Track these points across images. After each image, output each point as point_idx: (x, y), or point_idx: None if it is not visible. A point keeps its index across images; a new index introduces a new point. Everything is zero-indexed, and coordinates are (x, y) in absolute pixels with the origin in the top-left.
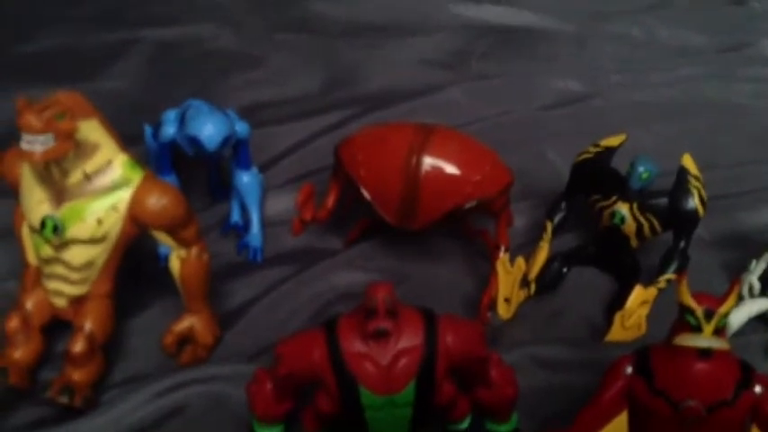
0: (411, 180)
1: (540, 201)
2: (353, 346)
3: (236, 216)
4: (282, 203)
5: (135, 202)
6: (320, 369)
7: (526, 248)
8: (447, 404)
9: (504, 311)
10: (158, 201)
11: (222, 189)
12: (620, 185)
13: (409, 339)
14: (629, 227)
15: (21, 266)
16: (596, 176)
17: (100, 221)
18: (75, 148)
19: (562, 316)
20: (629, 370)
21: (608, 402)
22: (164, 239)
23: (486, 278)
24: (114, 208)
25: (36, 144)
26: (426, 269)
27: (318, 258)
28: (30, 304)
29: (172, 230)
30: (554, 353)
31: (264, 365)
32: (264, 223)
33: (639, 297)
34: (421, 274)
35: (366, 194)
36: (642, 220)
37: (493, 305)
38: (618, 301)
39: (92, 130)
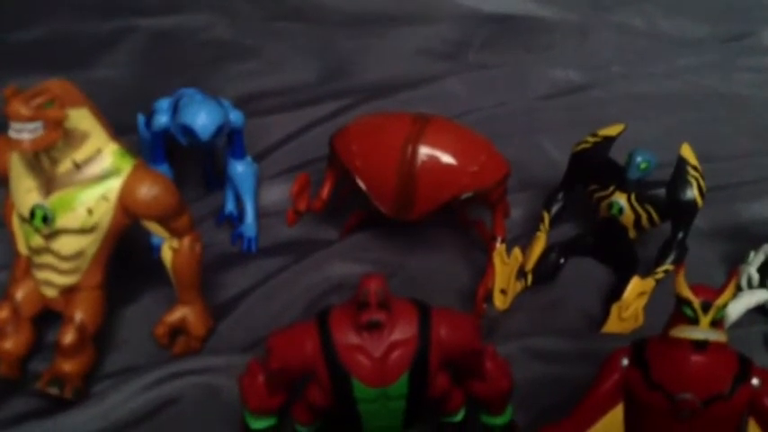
0: (407, 171)
1: (537, 192)
2: (346, 338)
3: (230, 206)
4: (277, 193)
5: (125, 191)
6: (312, 361)
7: (523, 240)
8: (441, 397)
9: (500, 303)
10: (149, 190)
11: (216, 179)
12: (618, 176)
13: (402, 331)
14: (627, 217)
15: (11, 256)
16: (594, 167)
17: (90, 211)
18: (65, 137)
19: (559, 307)
20: (626, 362)
21: (604, 395)
22: (155, 229)
23: (483, 269)
24: (104, 197)
25: (24, 132)
26: (422, 260)
27: (313, 249)
28: (20, 295)
29: (163, 220)
30: (550, 344)
31: (258, 357)
32: (259, 213)
33: (637, 288)
34: (417, 266)
35: (361, 185)
36: (640, 210)
37: (489, 296)
38: (615, 293)
39: (81, 118)
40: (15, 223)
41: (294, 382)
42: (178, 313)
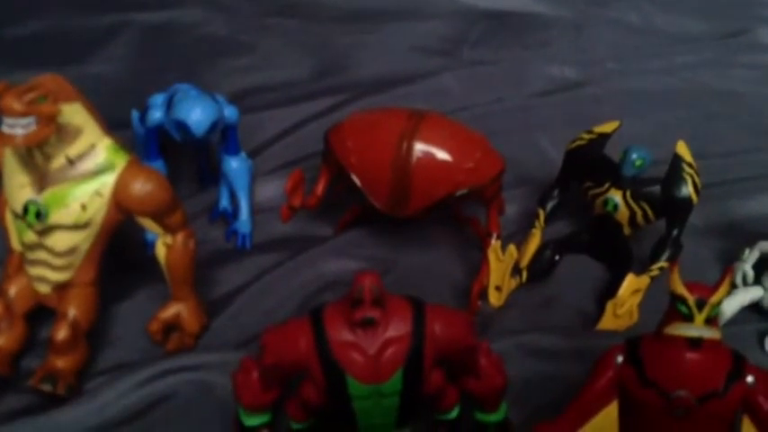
0: (402, 167)
1: (532, 189)
2: (340, 335)
3: (224, 202)
4: (272, 190)
5: (119, 187)
6: (306, 358)
7: (518, 237)
8: (435, 394)
9: (495, 299)
10: (143, 186)
11: (210, 175)
12: (613, 173)
13: (397, 328)
14: (622, 214)
15: (4, 252)
16: (589, 163)
17: (84, 207)
18: (58, 132)
19: (553, 304)
20: (620, 359)
21: (598, 392)
22: (149, 225)
23: (478, 266)
24: (98, 193)
25: (17, 127)
26: (417, 257)
27: (308, 245)
28: (13, 291)
29: (157, 216)
30: (545, 342)
31: (252, 354)
32: (253, 210)
33: (632, 285)
34: (411, 262)
35: (356, 181)
36: (635, 207)
37: (484, 293)
38: (610, 290)
39: (75, 113)
40: (8, 219)
41: (288, 379)
42: (172, 309)
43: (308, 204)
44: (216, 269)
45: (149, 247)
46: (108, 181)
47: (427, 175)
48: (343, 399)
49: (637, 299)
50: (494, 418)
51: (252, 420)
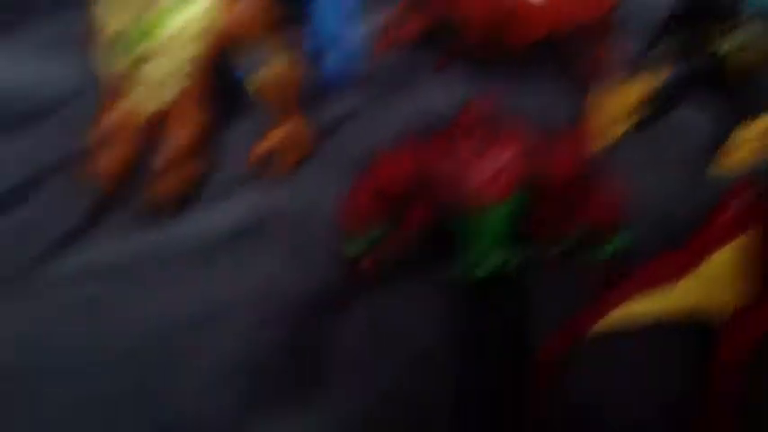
0: (502, 3)
1: (635, 35)
2: (449, 161)
3: (319, 37)
4: (367, 25)
5: (218, 11)
6: (415, 184)
7: (626, 81)
8: (547, 222)
9: (601, 142)
10: (243, 9)
11: (306, 9)
12: (731, 13)
13: (508, 154)
14: (741, 58)
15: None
16: (703, 3)
17: (181, 32)
18: None
19: (664, 148)
20: (749, 194)
21: (722, 225)
22: (251, 49)
23: (583, 108)
24: (196, 18)
25: None
26: (519, 97)
27: (406, 80)
28: (116, 114)
29: (258, 40)
30: (656, 184)
31: (359, 178)
32: (349, 45)
33: (754, 129)
34: (512, 102)
35: (456, 19)
36: (755, 50)
37: (590, 135)
38: (725, 138)
39: None
40: (106, 46)
41: (395, 204)
42: (277, 134)
43: (404, 40)
44: (313, 103)
45: (248, 74)
46: (206, 6)
47: (530, 11)
48: (452, 225)
49: (758, 142)
50: (606, 249)
51: (357, 244)
